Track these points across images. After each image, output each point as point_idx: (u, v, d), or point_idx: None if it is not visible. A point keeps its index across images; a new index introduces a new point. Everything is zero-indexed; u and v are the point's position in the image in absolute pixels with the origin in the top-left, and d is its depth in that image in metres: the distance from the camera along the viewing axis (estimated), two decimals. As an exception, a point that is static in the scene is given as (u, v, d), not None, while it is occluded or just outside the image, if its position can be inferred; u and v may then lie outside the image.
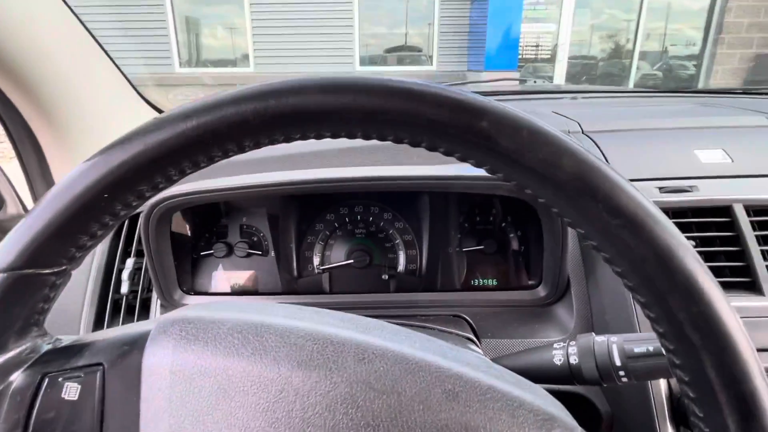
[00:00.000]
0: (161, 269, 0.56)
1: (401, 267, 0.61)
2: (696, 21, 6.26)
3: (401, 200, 0.61)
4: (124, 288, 0.61)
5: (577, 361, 0.38)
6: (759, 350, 0.48)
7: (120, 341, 0.29)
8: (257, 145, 0.27)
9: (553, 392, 0.51)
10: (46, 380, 0.27)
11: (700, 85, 6.03)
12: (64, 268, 0.27)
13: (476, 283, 0.61)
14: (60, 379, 0.27)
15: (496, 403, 0.26)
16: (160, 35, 6.23)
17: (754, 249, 0.52)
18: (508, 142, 0.24)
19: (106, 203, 0.26)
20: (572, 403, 0.55)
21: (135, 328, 0.30)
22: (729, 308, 0.23)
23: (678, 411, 0.48)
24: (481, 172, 0.52)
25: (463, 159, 0.27)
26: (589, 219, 0.24)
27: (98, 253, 0.64)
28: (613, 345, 0.37)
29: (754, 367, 0.23)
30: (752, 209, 0.54)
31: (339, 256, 0.61)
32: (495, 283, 0.61)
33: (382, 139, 0.27)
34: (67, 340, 0.30)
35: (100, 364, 0.28)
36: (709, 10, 5.96)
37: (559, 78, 6.19)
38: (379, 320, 0.32)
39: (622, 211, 0.24)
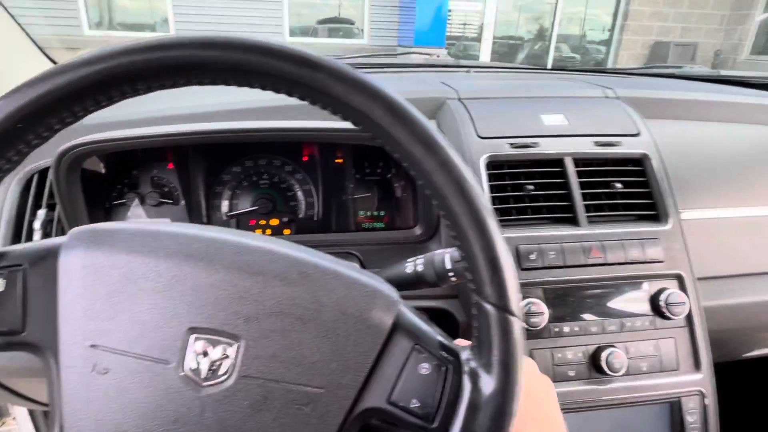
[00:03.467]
0: (73, 216, 0.61)
1: (301, 213, 0.70)
2: (610, 7, 6.76)
3: (300, 153, 0.69)
4: (36, 237, 0.65)
5: (422, 269, 0.49)
6: (573, 266, 0.62)
7: (38, 248, 0.35)
8: (149, 89, 0.34)
9: (423, 308, 0.63)
10: None
11: (608, 67, 6.58)
12: None
13: (366, 226, 0.72)
14: None
15: (336, 281, 0.36)
16: (65, -9, 5.65)
17: (577, 193, 0.67)
18: (338, 89, 0.34)
19: (21, 132, 0.32)
20: (438, 315, 0.69)
21: (50, 240, 0.37)
22: (484, 200, 0.35)
23: None
24: (347, 124, 0.62)
25: (313, 103, 0.36)
26: (398, 143, 0.35)
27: (7, 208, 0.67)
28: (446, 254, 0.49)
29: (496, 234, 0.34)
30: (579, 161, 0.69)
31: (245, 204, 0.69)
32: (382, 225, 0.72)
33: (250, 86, 0.35)
34: None
35: (20, 265, 0.34)
36: (617, -2, 6.47)
37: (485, 56, 6.47)
38: (260, 234, 0.41)
39: (417, 135, 0.34)
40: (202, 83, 0.35)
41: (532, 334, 0.61)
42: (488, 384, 0.35)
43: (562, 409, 0.64)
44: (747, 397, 1.29)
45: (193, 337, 0.34)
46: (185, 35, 0.33)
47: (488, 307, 0.35)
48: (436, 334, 0.39)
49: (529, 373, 0.42)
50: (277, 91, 0.35)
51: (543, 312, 0.60)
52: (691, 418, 0.62)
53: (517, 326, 0.35)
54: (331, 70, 0.34)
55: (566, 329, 0.62)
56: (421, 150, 0.35)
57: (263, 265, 0.36)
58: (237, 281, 0.35)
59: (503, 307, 0.35)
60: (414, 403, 0.36)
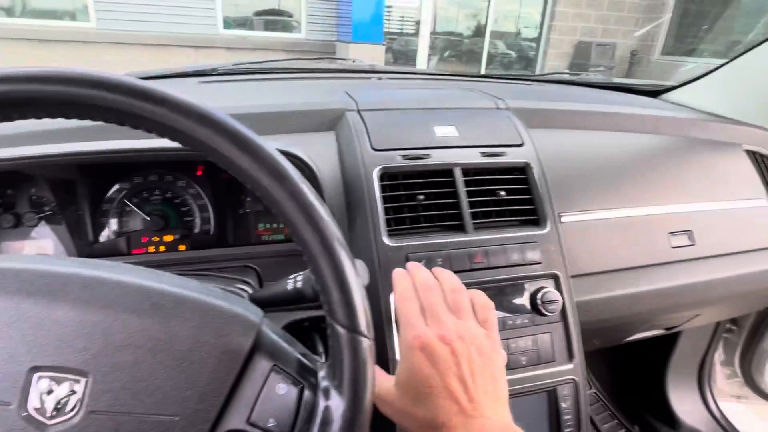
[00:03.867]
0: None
1: (196, 228, 0.69)
2: (541, 7, 7.07)
3: (193, 168, 0.69)
4: None
5: (301, 286, 0.51)
6: (459, 271, 0.66)
7: None
8: None
9: (315, 317, 0.64)
10: None
11: (538, 66, 6.92)
12: None
13: (266, 238, 0.72)
14: None
15: (190, 309, 0.37)
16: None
17: (464, 201, 0.71)
18: (182, 123, 0.34)
19: None
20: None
21: None
22: (333, 228, 0.37)
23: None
24: None
25: (161, 135, 0.36)
26: (245, 174, 0.36)
27: None
28: None
29: (345, 260, 0.37)
30: (467, 171, 0.73)
31: (136, 221, 0.67)
32: (281, 237, 0.73)
33: (92, 119, 0.35)
34: None
35: None
36: (545, -1, 6.80)
37: (423, 52, 6.58)
38: (119, 262, 0.41)
39: (266, 168, 0.36)
40: (38, 117, 0.34)
41: (421, 337, 0.64)
42: (339, 402, 0.37)
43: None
44: (635, 380, 1.43)
45: (36, 376, 0.34)
46: (20, 69, 0.33)
47: (339, 328, 0.38)
48: (296, 354, 0.41)
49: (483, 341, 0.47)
50: (122, 124, 0.35)
51: (430, 316, 0.63)
52: (565, 404, 0.69)
53: (366, 346, 0.38)
54: (173, 104, 0.34)
55: (453, 331, 0.66)
56: (270, 181, 0.36)
57: (113, 299, 0.36)
58: (83, 317, 0.35)
59: (352, 329, 0.38)
60: (271, 423, 0.37)
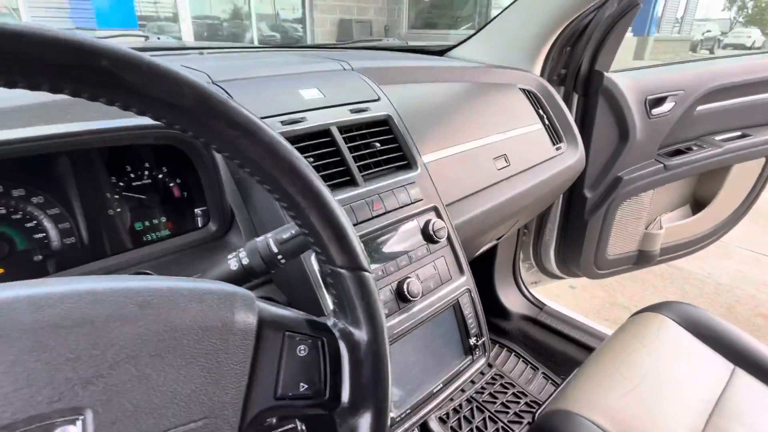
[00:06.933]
0: None
1: (57, 244, 0.55)
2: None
3: (31, 172, 0.53)
4: None
5: (248, 261, 0.48)
6: (364, 221, 0.69)
7: None
8: None
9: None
10: None
11: (307, 43, 7.15)
12: None
13: (149, 238, 0.62)
14: None
15: (183, 298, 0.32)
16: None
17: (348, 157, 0.75)
18: (131, 77, 0.28)
19: None
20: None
21: None
22: (313, 173, 0.37)
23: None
24: (119, 123, 0.53)
25: (92, 98, 0.29)
26: (217, 134, 0.32)
27: None
28: (269, 238, 0.48)
29: (332, 202, 0.37)
30: (343, 129, 0.77)
31: (-40, 253, 0.49)
32: (167, 233, 0.64)
33: None
34: None
35: None
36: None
37: (187, 36, 6.02)
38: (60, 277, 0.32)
39: (237, 124, 0.33)
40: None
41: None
42: (361, 337, 0.38)
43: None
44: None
45: None
46: None
47: (342, 271, 0.38)
48: (300, 315, 0.39)
49: None
50: (37, 87, 0.27)
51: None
52: (467, 311, 0.82)
53: (371, 279, 0.40)
54: (119, 55, 0.28)
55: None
56: (246, 139, 0.33)
57: (85, 312, 0.28)
58: (53, 343, 0.27)
59: (355, 267, 0.39)
60: (302, 387, 0.36)
